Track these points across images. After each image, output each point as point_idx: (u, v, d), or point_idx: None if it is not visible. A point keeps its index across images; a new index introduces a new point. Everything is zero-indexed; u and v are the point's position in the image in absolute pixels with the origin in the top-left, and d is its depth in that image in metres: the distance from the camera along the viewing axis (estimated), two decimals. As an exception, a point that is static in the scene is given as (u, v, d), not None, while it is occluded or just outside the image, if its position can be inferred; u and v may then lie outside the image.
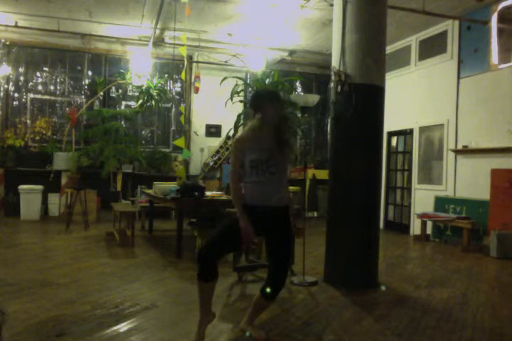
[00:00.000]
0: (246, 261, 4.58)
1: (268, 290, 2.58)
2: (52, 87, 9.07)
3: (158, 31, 8.06)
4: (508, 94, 6.09)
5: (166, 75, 9.63)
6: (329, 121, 4.71)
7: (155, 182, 6.17)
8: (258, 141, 2.54)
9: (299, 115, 4.49)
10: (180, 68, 8.89)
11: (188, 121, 9.50)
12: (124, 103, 9.43)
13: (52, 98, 9.07)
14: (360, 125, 4.11)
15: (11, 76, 8.77)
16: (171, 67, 9.55)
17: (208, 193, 5.42)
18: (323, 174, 8.73)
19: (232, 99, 5.57)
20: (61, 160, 8.26)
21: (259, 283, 4.19)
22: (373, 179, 4.20)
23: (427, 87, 7.57)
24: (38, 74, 9.00)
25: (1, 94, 8.70)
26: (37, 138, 8.67)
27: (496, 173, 6.06)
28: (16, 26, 7.90)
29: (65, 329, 2.78)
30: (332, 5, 4.44)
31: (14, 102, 8.86)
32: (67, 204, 7.48)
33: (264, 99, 2.60)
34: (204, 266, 2.46)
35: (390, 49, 8.04)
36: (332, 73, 4.21)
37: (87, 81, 9.22)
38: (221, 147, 9.37)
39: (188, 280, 4.06)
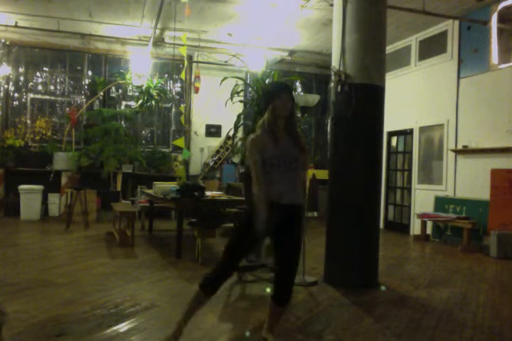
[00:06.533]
0: (246, 261, 4.57)
1: (274, 293, 2.48)
2: (52, 87, 9.07)
3: (158, 31, 8.05)
4: (508, 94, 6.09)
5: (166, 75, 9.63)
6: (329, 121, 4.70)
7: (155, 182, 6.16)
8: (273, 137, 2.44)
9: (299, 115, 4.49)
10: (180, 68, 8.87)
11: (188, 121, 9.50)
12: (124, 103, 9.42)
13: (52, 98, 9.07)
14: (360, 125, 4.12)
15: (11, 76, 8.77)
16: (171, 67, 9.54)
17: (207, 193, 5.42)
18: (323, 174, 8.70)
19: (232, 99, 5.57)
20: (61, 160, 8.26)
21: (259, 283, 4.21)
22: (373, 179, 4.20)
23: (426, 87, 7.57)
24: (38, 74, 9.00)
25: (1, 94, 8.69)
26: (37, 138, 8.66)
27: (495, 173, 6.06)
28: (16, 26, 7.90)
29: (65, 329, 2.77)
30: (332, 5, 4.44)
31: (14, 102, 8.86)
32: (67, 204, 7.48)
33: (273, 92, 2.47)
34: (216, 278, 2.42)
35: (390, 49, 8.04)
36: (332, 73, 4.21)
37: (87, 81, 9.22)
38: (221, 147, 9.36)
39: (187, 280, 4.06)
